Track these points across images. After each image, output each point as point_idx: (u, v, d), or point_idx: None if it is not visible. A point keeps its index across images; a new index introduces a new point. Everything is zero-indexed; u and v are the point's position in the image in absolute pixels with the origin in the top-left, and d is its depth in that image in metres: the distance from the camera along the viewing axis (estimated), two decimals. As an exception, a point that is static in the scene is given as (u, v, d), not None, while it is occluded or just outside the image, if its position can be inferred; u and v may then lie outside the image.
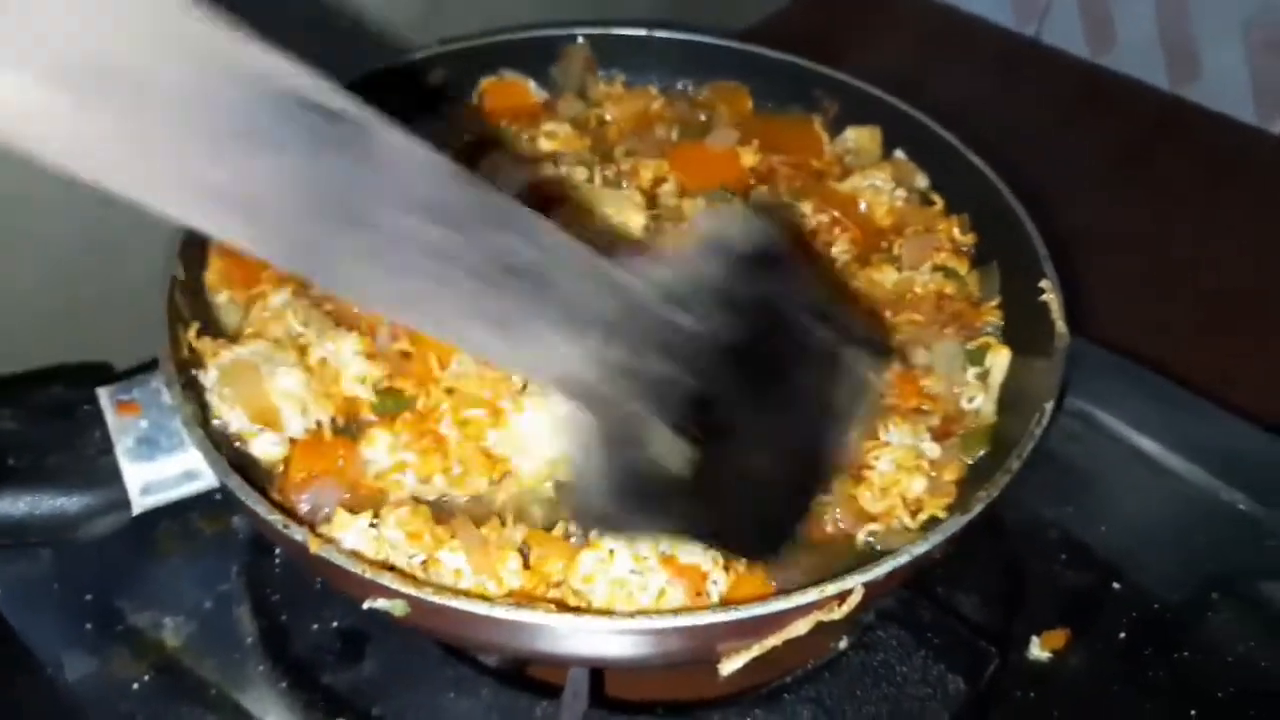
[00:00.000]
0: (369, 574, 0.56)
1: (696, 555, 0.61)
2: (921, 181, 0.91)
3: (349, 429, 0.70)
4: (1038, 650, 0.76)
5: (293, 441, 0.69)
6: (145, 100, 0.32)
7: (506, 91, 0.95)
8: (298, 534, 0.58)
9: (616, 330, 0.41)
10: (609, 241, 0.68)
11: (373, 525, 0.63)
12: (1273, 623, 0.79)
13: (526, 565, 0.63)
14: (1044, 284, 0.75)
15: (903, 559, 0.60)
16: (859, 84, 0.94)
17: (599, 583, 0.61)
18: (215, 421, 0.68)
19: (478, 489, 0.68)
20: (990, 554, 0.81)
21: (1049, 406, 0.67)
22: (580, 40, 0.97)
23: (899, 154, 0.93)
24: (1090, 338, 0.89)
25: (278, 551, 0.76)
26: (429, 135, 0.38)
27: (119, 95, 0.32)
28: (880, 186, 0.88)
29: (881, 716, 0.68)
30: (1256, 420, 0.89)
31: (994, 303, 0.81)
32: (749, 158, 0.90)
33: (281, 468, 0.68)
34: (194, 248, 0.74)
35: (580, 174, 0.85)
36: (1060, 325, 0.73)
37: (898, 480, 0.70)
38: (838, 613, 0.59)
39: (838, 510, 0.69)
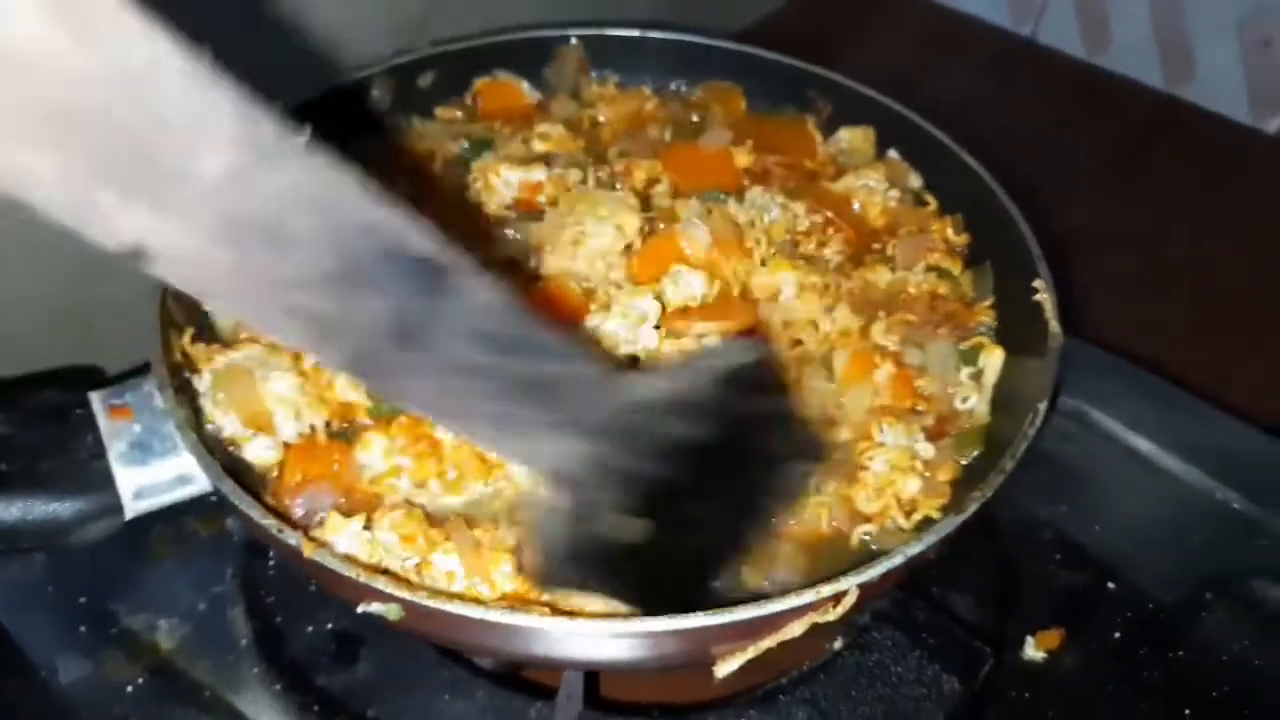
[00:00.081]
0: (363, 578, 0.56)
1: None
2: (915, 181, 0.91)
3: (344, 433, 0.70)
4: (1032, 650, 0.76)
5: (286, 446, 0.69)
6: (275, 244, 0.37)
7: (500, 92, 0.95)
8: (291, 538, 0.58)
9: (604, 433, 0.48)
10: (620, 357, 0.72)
11: (366, 528, 0.63)
12: (1267, 622, 0.79)
13: (520, 569, 0.63)
14: (1037, 284, 0.75)
15: (897, 560, 0.60)
16: (852, 84, 0.94)
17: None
18: (209, 426, 0.68)
19: (473, 493, 0.68)
20: (985, 554, 0.81)
21: (1043, 406, 0.67)
22: (573, 41, 0.97)
23: (892, 154, 0.93)
24: (1085, 338, 0.89)
25: (272, 554, 0.76)
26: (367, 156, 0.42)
27: (254, 241, 0.36)
28: (874, 187, 0.88)
29: (877, 717, 0.68)
30: (1252, 420, 0.90)
31: (987, 303, 0.82)
32: (742, 158, 0.90)
33: (276, 472, 0.68)
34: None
35: (574, 176, 0.85)
36: (1054, 325, 0.73)
37: (892, 481, 0.70)
38: (833, 614, 0.59)
39: (833, 511, 0.69)
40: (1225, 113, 1.35)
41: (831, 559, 0.67)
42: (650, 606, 0.55)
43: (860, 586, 0.58)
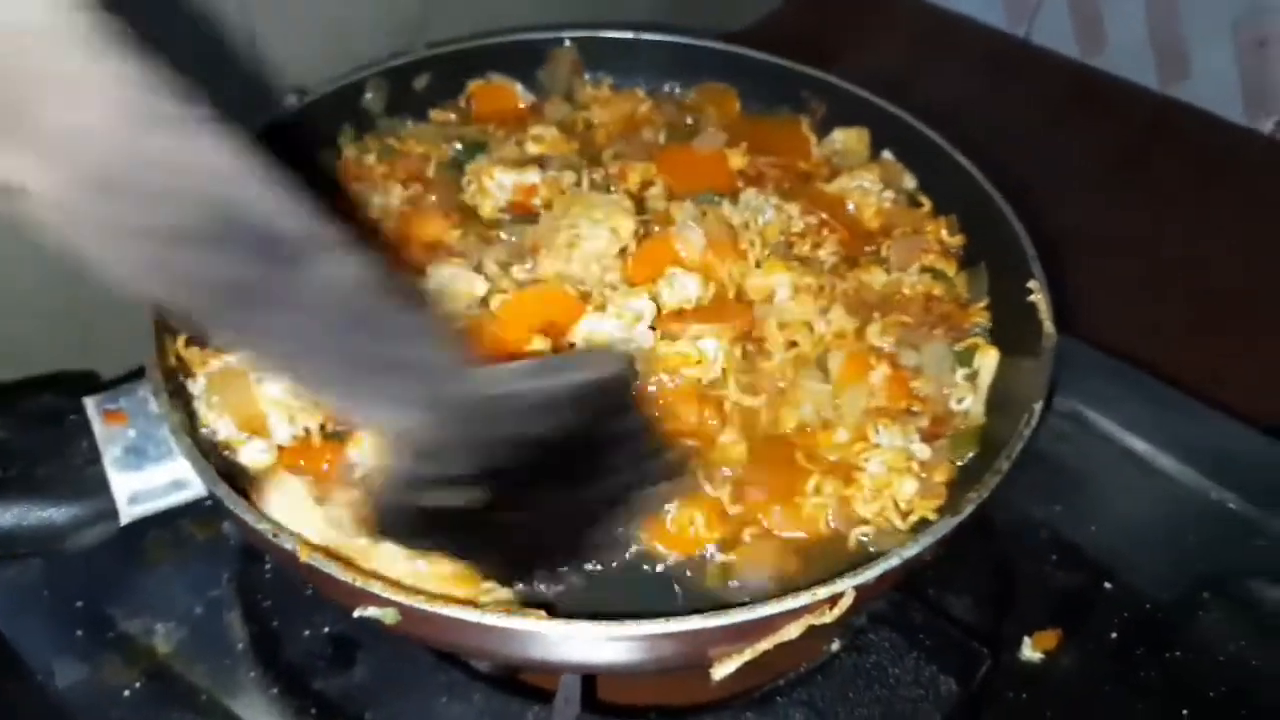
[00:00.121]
0: (359, 582, 0.56)
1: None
2: (909, 182, 0.92)
3: (338, 434, 0.70)
4: (1029, 651, 0.76)
5: (281, 449, 0.69)
6: (138, 199, 0.41)
7: (494, 95, 0.95)
8: (287, 542, 0.58)
9: (447, 413, 0.52)
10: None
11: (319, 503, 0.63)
12: (1264, 622, 0.79)
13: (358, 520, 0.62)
14: (1032, 284, 0.75)
15: (893, 561, 0.60)
16: (846, 85, 0.94)
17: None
18: (203, 430, 0.68)
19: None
20: (981, 555, 0.81)
21: (1038, 407, 0.67)
22: (567, 43, 0.97)
23: (887, 155, 0.93)
24: (1080, 339, 0.89)
25: (268, 558, 0.76)
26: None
27: (118, 194, 0.41)
28: (868, 188, 0.88)
29: (874, 718, 0.68)
30: (1247, 420, 0.90)
31: (982, 304, 0.82)
32: (737, 160, 0.90)
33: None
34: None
35: (568, 178, 0.85)
36: (1048, 325, 0.73)
37: (889, 482, 0.70)
38: (829, 616, 0.59)
39: (830, 512, 0.69)
40: (1220, 113, 1.35)
41: (828, 561, 0.67)
42: (481, 568, 0.59)
43: (857, 588, 0.58)
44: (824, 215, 0.85)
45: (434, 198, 0.85)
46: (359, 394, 0.52)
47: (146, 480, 0.66)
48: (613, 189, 0.86)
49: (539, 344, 0.72)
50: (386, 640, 0.70)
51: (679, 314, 0.75)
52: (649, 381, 0.73)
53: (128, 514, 0.67)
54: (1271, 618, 0.79)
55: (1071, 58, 1.44)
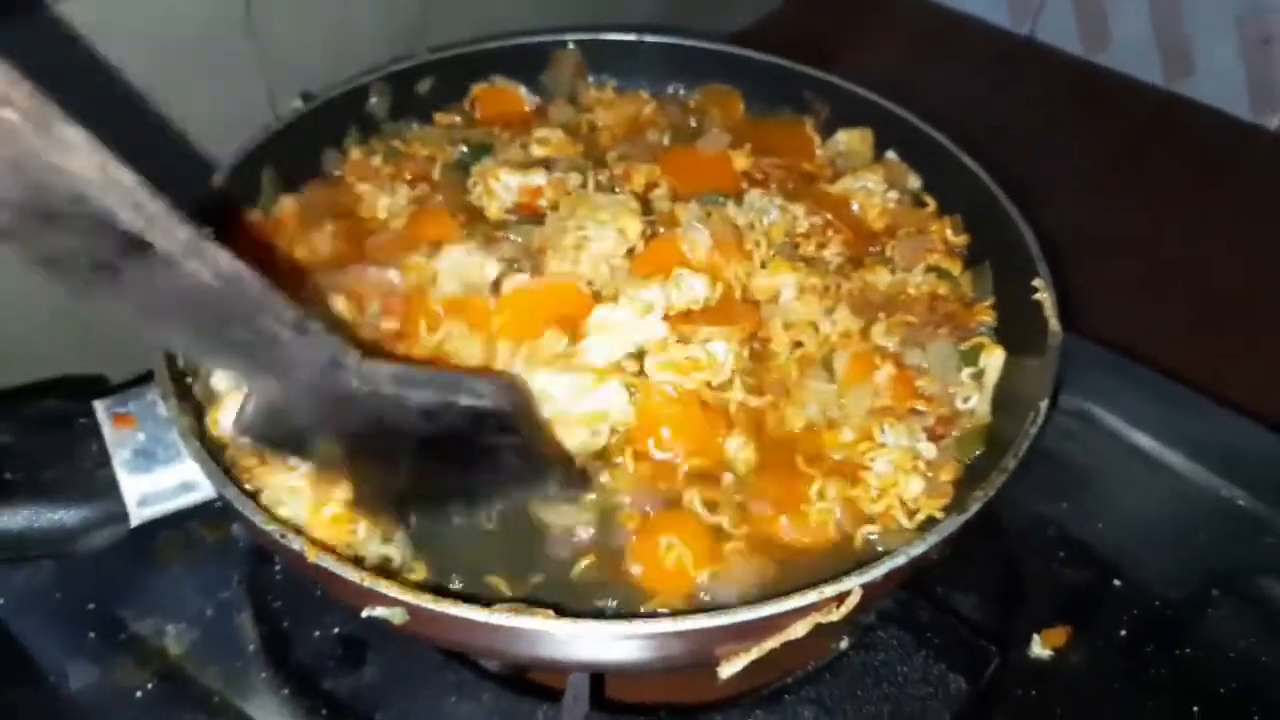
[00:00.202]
0: (367, 582, 0.57)
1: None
2: (914, 182, 0.91)
3: None
4: (1039, 648, 0.76)
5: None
6: None
7: (498, 98, 0.96)
8: (295, 543, 0.59)
9: (313, 393, 0.55)
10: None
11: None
12: (1274, 619, 0.79)
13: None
14: (1037, 283, 0.75)
15: (900, 560, 0.60)
16: (849, 86, 0.94)
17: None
18: (212, 433, 0.68)
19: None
20: (989, 553, 0.81)
21: (1044, 405, 0.67)
22: (570, 46, 0.97)
23: (891, 155, 0.93)
24: (1084, 336, 0.89)
25: (278, 559, 0.76)
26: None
27: None
28: (872, 188, 0.88)
29: (883, 716, 0.68)
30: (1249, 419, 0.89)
31: (987, 303, 0.82)
32: (741, 161, 0.90)
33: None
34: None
35: (574, 180, 0.85)
36: (1053, 323, 0.73)
37: (895, 481, 0.70)
38: (836, 614, 0.59)
39: (837, 512, 0.69)
40: (1226, 110, 1.34)
41: (835, 560, 0.67)
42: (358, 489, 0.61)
43: (863, 587, 0.58)
44: (828, 216, 0.85)
45: (440, 198, 0.85)
46: (223, 361, 0.58)
47: (156, 482, 0.67)
48: (618, 190, 0.86)
49: (553, 336, 0.72)
50: (395, 640, 0.71)
51: (687, 315, 0.75)
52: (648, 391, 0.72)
53: (138, 516, 0.67)
54: (1282, 614, 0.79)
55: (1076, 56, 1.44)
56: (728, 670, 0.61)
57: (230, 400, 0.67)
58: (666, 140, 0.94)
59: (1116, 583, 0.80)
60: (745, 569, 0.66)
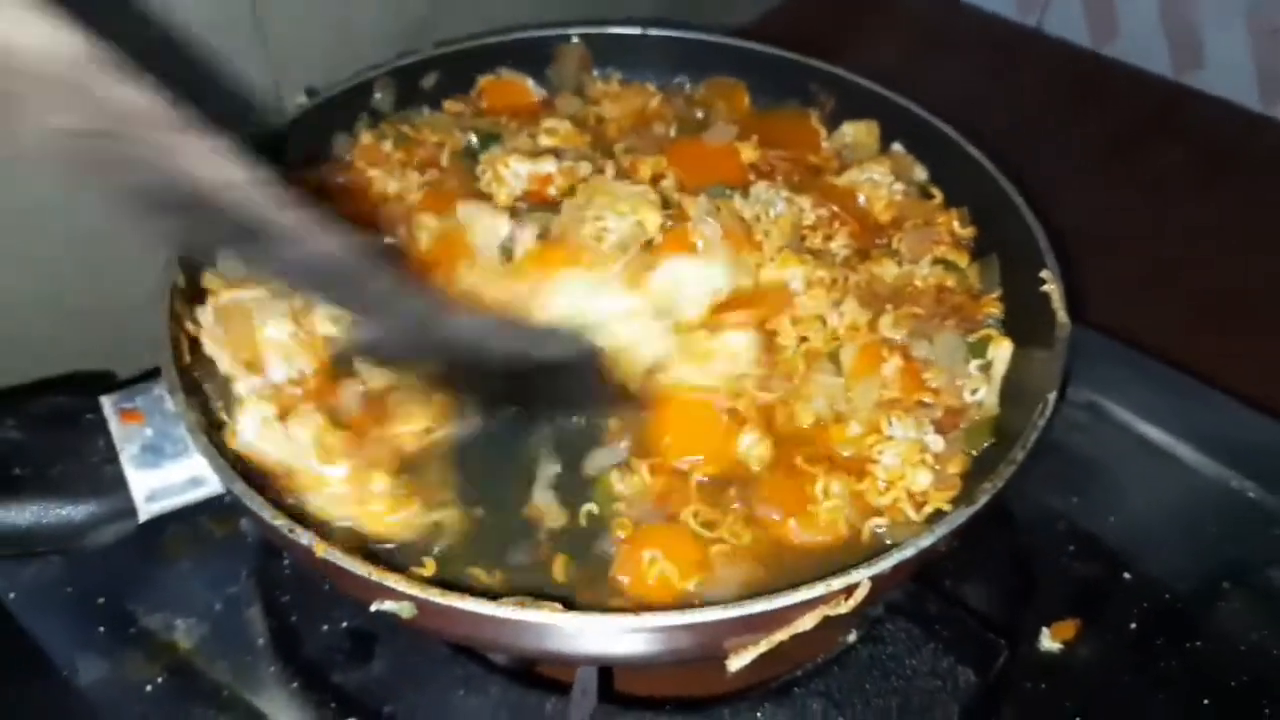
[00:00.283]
0: (375, 576, 0.57)
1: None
2: (920, 174, 0.91)
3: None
4: (1048, 641, 0.75)
5: (275, 387, 0.71)
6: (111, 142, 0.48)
7: (505, 90, 0.96)
8: (304, 538, 0.59)
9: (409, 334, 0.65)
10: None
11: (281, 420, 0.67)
12: (1285, 611, 0.78)
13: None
14: (1044, 274, 0.75)
15: (908, 552, 0.59)
16: (855, 78, 0.93)
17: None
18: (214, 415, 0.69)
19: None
20: (998, 546, 0.81)
21: (1052, 396, 0.67)
22: (575, 40, 0.97)
23: (897, 147, 0.93)
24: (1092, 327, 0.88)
25: (286, 554, 0.76)
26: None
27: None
28: (879, 180, 0.88)
29: (892, 709, 0.68)
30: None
31: (994, 295, 0.81)
32: (747, 153, 0.89)
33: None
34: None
35: (584, 168, 0.85)
36: (1061, 315, 0.73)
37: (902, 474, 0.70)
38: (844, 607, 0.59)
39: (845, 512, 0.69)
40: (1235, 101, 1.33)
41: (843, 553, 0.67)
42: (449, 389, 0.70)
43: (872, 579, 0.58)
44: (835, 208, 0.85)
45: (450, 184, 0.85)
46: (333, 309, 0.69)
47: (164, 478, 0.67)
48: (629, 182, 0.85)
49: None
50: (404, 634, 0.71)
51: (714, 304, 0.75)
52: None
53: (146, 511, 0.67)
54: (1293, 607, 0.78)
55: (1084, 47, 1.43)
56: (736, 663, 0.61)
57: (252, 406, 0.67)
58: (673, 132, 0.93)
59: (1126, 575, 0.80)
60: (732, 572, 0.66)
